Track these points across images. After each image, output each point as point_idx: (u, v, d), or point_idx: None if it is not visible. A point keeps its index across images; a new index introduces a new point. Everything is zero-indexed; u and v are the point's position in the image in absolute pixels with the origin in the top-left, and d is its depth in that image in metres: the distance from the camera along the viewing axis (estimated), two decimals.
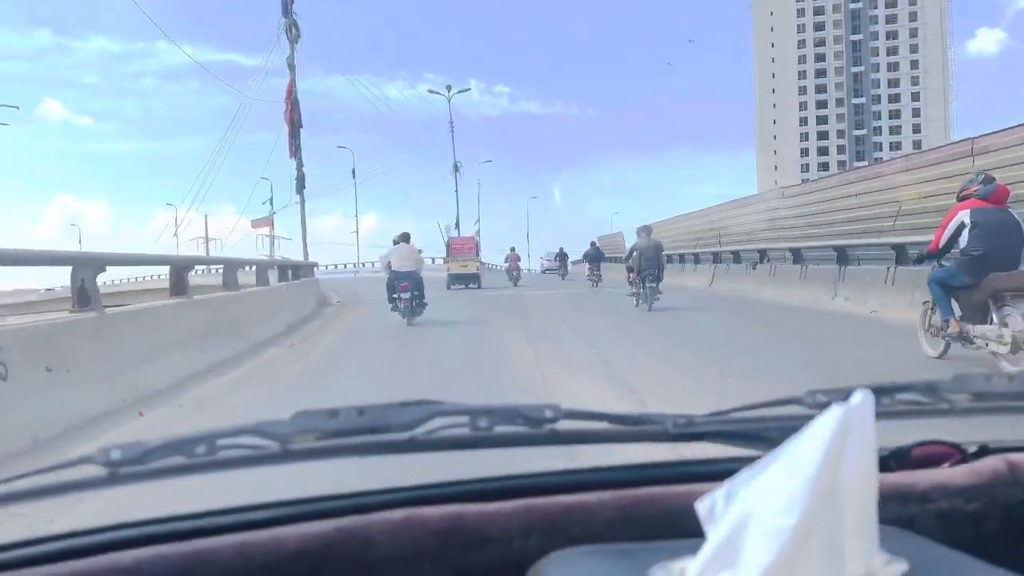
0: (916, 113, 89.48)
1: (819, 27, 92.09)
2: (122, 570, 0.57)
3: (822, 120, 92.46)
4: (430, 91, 44.88)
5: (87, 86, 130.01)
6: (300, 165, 22.64)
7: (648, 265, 12.57)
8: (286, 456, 0.59)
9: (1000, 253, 5.41)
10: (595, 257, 22.93)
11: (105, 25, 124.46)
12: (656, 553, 0.53)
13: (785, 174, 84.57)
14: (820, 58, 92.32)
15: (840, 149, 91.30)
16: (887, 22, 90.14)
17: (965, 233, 5.54)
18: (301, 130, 22.33)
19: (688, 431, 0.64)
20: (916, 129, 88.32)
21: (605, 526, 0.62)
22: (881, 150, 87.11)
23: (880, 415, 0.57)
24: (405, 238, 11.92)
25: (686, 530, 0.52)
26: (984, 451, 0.70)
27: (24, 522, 0.52)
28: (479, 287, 22.71)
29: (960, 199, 5.79)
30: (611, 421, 0.64)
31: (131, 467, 0.58)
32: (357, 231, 52.77)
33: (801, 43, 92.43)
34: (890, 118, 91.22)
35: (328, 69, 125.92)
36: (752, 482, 0.47)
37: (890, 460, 0.69)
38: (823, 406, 0.54)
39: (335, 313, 14.98)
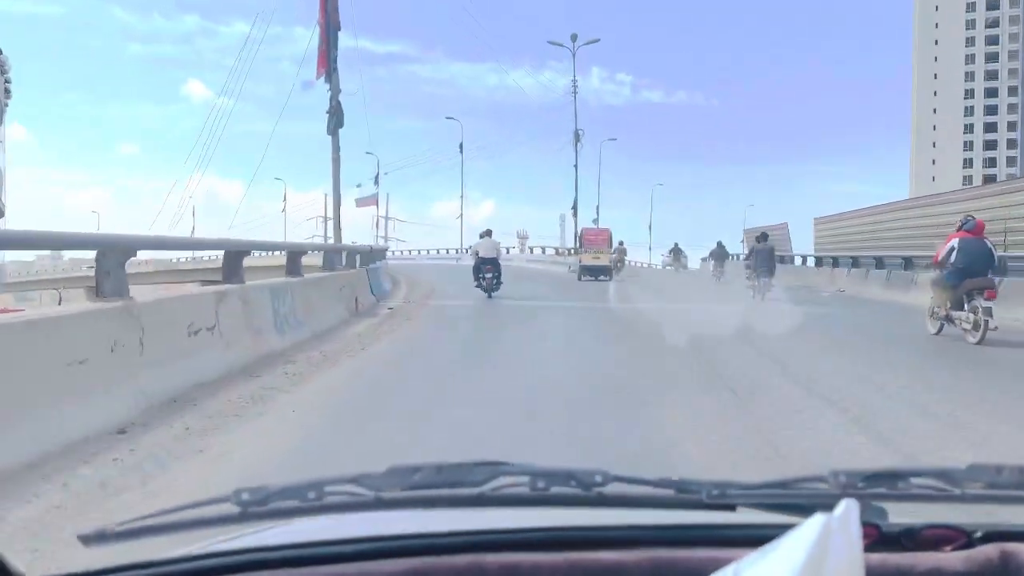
0: None
1: (992, 6, 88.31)
2: None
3: (991, 111, 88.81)
4: (551, 43, 40.32)
5: (228, 68, 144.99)
6: (336, 92, 16.04)
7: (763, 264, 16.78)
8: (378, 504, 0.75)
9: (974, 267, 9.41)
10: (720, 255, 26.82)
11: (247, 10, 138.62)
12: None
13: (945, 173, 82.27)
14: (992, 40, 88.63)
15: (1011, 143, 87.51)
16: None
17: (953, 254, 9.53)
18: (339, 34, 15.88)
19: (721, 501, 0.76)
20: None
21: None
22: None
23: (895, 497, 0.76)
24: (488, 233, 17.01)
25: None
26: (988, 537, 0.75)
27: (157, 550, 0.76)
28: (609, 279, 24.00)
29: (957, 230, 9.80)
30: (654, 486, 0.76)
31: (257, 507, 0.73)
32: (462, 214, 51.02)
33: (970, 23, 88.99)
34: None
35: (451, 55, 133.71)
36: (752, 568, 0.58)
37: (901, 538, 0.75)
38: (844, 486, 0.68)
39: (365, 335, 9.36)
